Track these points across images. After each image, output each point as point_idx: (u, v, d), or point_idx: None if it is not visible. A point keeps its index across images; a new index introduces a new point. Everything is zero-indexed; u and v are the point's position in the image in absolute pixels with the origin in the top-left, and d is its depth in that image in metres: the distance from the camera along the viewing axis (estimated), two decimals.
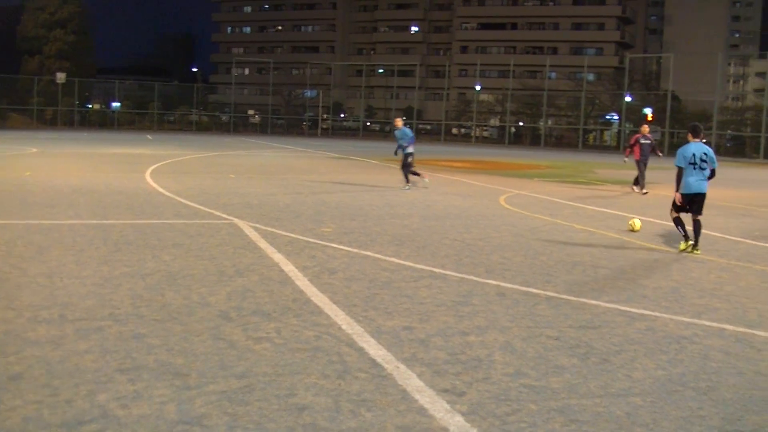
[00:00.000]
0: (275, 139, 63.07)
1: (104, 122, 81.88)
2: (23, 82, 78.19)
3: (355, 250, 11.19)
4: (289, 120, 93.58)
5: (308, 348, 6.39)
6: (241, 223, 13.51)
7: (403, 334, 6.92)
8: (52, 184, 19.15)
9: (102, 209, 14.91)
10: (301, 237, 12.24)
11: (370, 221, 14.54)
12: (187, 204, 16.06)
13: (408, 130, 21.88)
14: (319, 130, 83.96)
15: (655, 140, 24.94)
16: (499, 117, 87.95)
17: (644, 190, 23.09)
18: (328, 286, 8.73)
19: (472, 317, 7.60)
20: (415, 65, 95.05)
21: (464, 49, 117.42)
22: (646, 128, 24.31)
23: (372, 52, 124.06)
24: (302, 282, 8.92)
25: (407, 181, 21.78)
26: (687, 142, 12.35)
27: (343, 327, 7.05)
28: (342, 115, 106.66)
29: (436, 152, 48.76)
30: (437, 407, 5.18)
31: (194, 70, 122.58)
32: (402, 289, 8.74)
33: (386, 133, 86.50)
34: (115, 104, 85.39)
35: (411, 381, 5.69)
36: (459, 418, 5.01)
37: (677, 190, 12.12)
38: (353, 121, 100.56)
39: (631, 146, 23.84)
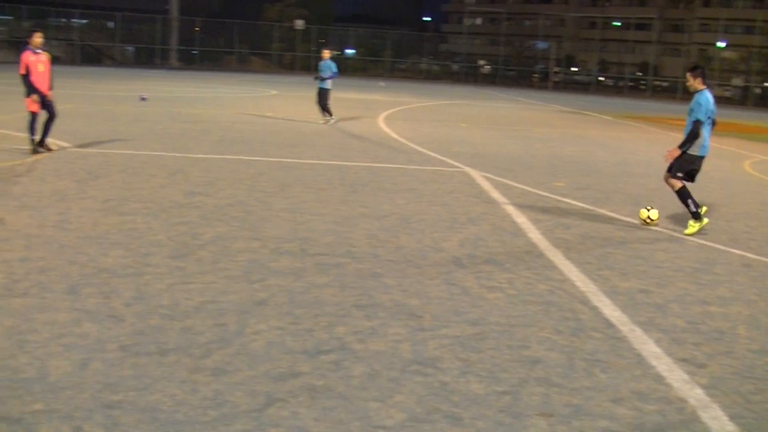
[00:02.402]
0: (504, 91, 62.62)
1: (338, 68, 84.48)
2: (264, 28, 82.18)
3: (589, 207, 10.94)
4: (519, 71, 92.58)
5: (541, 302, 6.32)
6: (472, 172, 13.51)
7: (639, 296, 6.70)
8: (292, 126, 19.93)
9: (339, 151, 15.37)
10: (533, 190, 12.10)
11: (605, 178, 14.14)
12: (419, 150, 16.24)
13: (332, 64, 21.05)
14: (550, 83, 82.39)
15: None
16: (742, 77, 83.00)
17: None
18: (562, 241, 8.58)
19: (713, 286, 7.24)
20: (652, 18, 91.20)
21: (706, 2, 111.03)
22: None
23: (607, 3, 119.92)
24: (534, 235, 8.82)
25: (329, 114, 21.20)
26: (698, 88, 9.55)
27: (577, 284, 6.91)
28: (574, 69, 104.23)
29: (672, 111, 46.80)
30: (675, 376, 4.98)
31: (426, 19, 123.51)
32: (638, 251, 8.45)
33: (619, 88, 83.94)
34: (350, 51, 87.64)
35: (647, 346, 5.50)
36: (699, 391, 4.78)
37: (686, 150, 9.46)
38: (585, 75, 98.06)
39: None
